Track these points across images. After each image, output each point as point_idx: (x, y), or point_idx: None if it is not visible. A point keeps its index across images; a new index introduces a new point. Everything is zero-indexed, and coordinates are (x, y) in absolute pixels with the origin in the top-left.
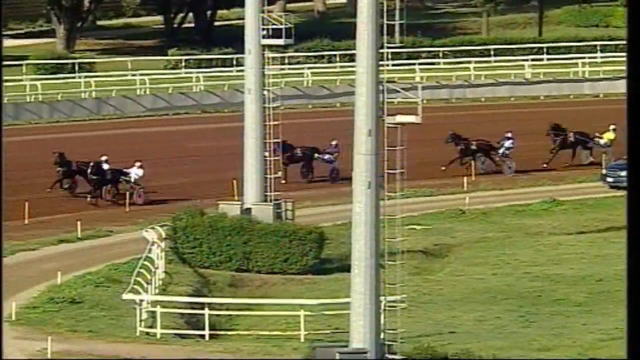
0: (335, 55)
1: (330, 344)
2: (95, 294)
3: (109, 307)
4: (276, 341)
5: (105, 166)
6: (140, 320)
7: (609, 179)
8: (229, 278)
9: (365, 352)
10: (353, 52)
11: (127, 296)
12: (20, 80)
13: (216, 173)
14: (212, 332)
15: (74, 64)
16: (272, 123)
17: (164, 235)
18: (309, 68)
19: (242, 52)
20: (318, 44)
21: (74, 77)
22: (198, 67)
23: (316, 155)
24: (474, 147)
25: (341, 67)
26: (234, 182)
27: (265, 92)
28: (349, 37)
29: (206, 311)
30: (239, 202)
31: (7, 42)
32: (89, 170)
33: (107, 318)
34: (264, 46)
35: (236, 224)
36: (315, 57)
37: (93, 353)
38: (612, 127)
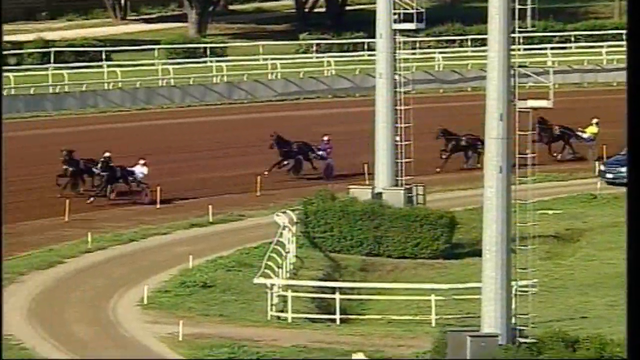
0: (466, 39)
1: (461, 329)
2: (227, 278)
3: (240, 291)
4: (407, 326)
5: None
6: (271, 305)
7: (608, 175)
8: (359, 262)
9: (497, 337)
10: (484, 36)
11: (258, 280)
12: (153, 64)
13: (347, 157)
14: (343, 316)
15: (205, 48)
16: (403, 107)
17: (295, 220)
18: (440, 52)
19: (373, 36)
20: (449, 29)
21: (205, 62)
22: (329, 52)
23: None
24: (463, 142)
25: (472, 51)
26: (365, 166)
27: (397, 77)
28: (481, 21)
29: (337, 295)
30: (370, 187)
31: (140, 27)
32: (98, 166)
33: (238, 302)
34: (395, 30)
35: (367, 209)
36: (446, 41)
37: (224, 337)
38: (594, 120)
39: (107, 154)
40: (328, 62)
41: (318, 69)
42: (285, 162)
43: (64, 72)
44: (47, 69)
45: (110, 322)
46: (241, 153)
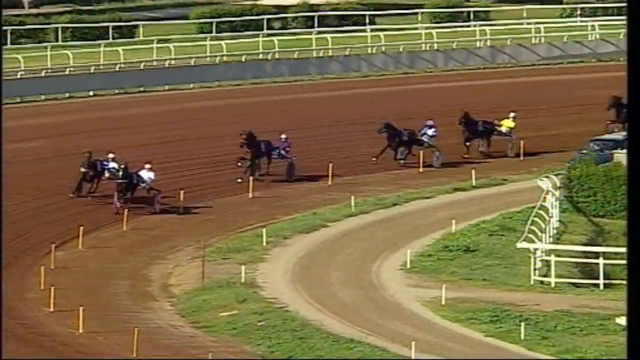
0: None
1: None
2: (490, 243)
3: (502, 255)
4: None
5: (113, 165)
6: (535, 269)
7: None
8: (623, 227)
9: None
10: None
11: (521, 245)
12: (416, 28)
13: (604, 123)
14: (607, 281)
15: (469, 12)
16: None
17: (558, 184)
18: None
19: None
20: None
21: (469, 26)
22: (593, 16)
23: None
24: (405, 138)
25: None
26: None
27: None
28: None
29: (601, 260)
30: None
31: None
32: (120, 174)
33: (501, 267)
34: None
35: None
36: None
37: (486, 301)
38: (511, 114)
39: (110, 155)
40: (592, 26)
41: (582, 32)
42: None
43: (328, 36)
44: (310, 33)
45: (373, 285)
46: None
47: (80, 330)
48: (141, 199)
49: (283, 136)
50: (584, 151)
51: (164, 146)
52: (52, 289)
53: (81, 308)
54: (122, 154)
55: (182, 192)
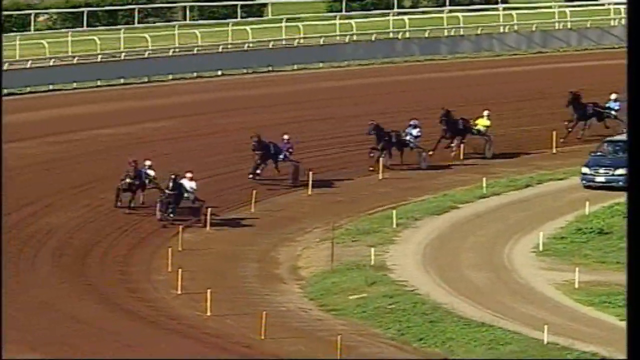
0: None
1: None
2: (624, 225)
3: None
4: None
5: (151, 172)
6: None
7: (599, 179)
8: None
9: None
10: None
11: None
12: (549, 7)
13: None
14: None
15: None
16: None
17: None
18: None
19: None
20: None
21: (602, 4)
22: None
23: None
24: (394, 140)
25: None
26: None
27: None
28: None
29: None
30: None
31: None
32: (169, 185)
33: None
34: None
35: None
36: None
37: (621, 284)
38: (485, 112)
39: (147, 162)
40: None
41: None
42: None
43: (459, 14)
44: (442, 11)
45: (504, 268)
46: None
47: (208, 313)
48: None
49: (285, 137)
50: (599, 153)
51: (293, 126)
52: (180, 271)
53: (209, 291)
54: (262, 132)
55: (310, 172)
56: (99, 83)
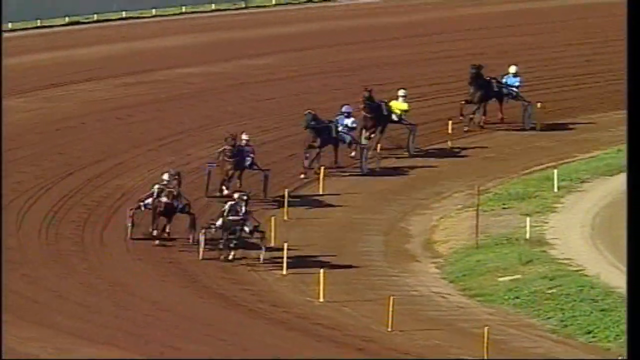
0: None
1: None
2: None
3: None
4: None
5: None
6: None
7: None
8: None
9: None
10: None
11: None
12: None
13: None
14: None
15: None
16: None
17: None
18: None
19: None
20: None
21: None
22: None
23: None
24: (333, 134)
25: None
26: None
27: None
28: None
29: None
30: None
31: None
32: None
33: None
34: None
35: None
36: None
37: None
38: (401, 92)
39: (244, 137)
40: None
41: None
42: None
43: None
44: None
45: None
46: None
47: (321, 299)
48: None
49: (244, 137)
50: None
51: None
52: (285, 245)
53: (321, 271)
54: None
55: (449, 122)
56: (183, 9)
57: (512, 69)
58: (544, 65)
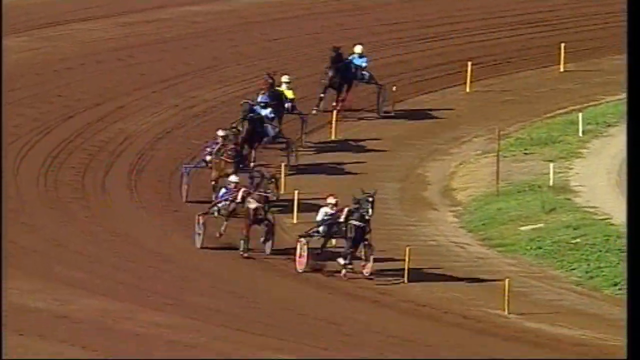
0: None
1: None
2: None
3: None
4: None
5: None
6: None
7: None
8: None
9: None
10: None
11: None
12: None
13: None
14: None
15: None
16: None
17: None
18: None
19: None
20: None
21: None
22: None
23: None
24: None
25: None
26: None
27: None
28: None
29: None
30: None
31: None
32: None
33: None
34: None
35: None
36: None
37: None
38: (285, 78)
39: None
40: None
41: None
42: None
43: None
44: None
45: None
46: None
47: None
48: None
49: (221, 133)
50: None
51: None
52: (296, 193)
53: None
54: None
55: (469, 63)
56: None
57: (358, 49)
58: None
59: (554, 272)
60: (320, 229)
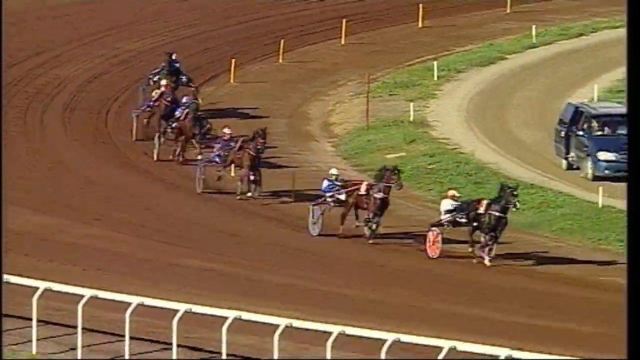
0: None
1: None
2: None
3: None
4: None
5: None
6: None
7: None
8: None
9: None
10: None
11: None
12: None
13: None
14: None
15: None
16: None
17: None
18: None
19: None
20: None
21: None
22: None
23: None
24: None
25: None
26: None
27: None
28: None
29: None
30: None
31: None
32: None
33: None
34: None
35: None
36: None
37: None
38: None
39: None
40: None
41: None
42: None
43: None
44: None
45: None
46: None
47: (232, 175)
48: None
49: (227, 131)
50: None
51: None
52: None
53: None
54: None
55: (344, 20)
56: None
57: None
58: None
59: (414, 192)
60: (453, 218)
